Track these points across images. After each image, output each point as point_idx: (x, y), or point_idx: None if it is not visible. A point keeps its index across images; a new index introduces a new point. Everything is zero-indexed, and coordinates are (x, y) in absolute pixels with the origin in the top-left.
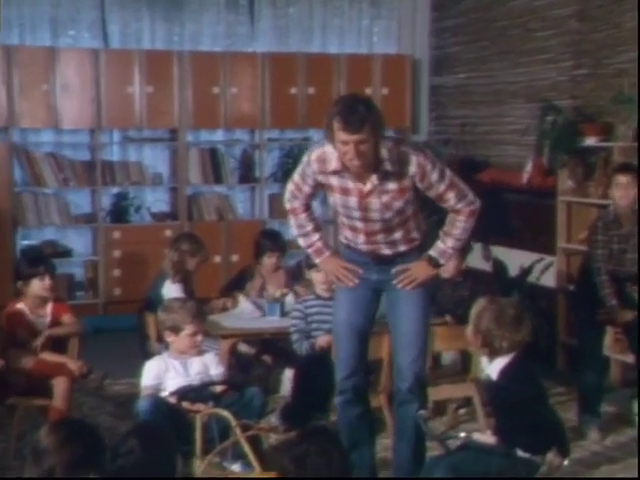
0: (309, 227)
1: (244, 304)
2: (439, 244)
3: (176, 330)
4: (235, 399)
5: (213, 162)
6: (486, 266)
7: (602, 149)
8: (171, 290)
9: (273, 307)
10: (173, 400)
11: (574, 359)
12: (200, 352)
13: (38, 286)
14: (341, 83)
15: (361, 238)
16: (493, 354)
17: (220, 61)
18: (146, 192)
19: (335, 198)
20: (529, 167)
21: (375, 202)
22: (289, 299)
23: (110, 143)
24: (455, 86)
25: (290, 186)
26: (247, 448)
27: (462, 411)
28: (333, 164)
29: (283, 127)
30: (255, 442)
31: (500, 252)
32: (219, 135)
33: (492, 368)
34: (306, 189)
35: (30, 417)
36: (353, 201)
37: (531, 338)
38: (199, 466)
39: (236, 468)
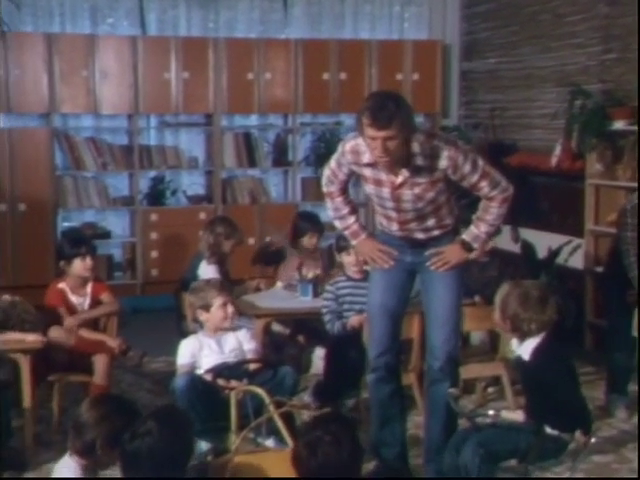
0: (345, 210)
1: (278, 290)
2: (472, 229)
3: (207, 307)
4: (268, 377)
5: (247, 146)
6: (515, 248)
7: (630, 132)
8: (207, 271)
9: (306, 288)
10: (208, 377)
11: (604, 339)
12: (233, 324)
13: (79, 266)
14: (372, 69)
15: (395, 226)
16: (523, 336)
17: (254, 47)
18: (182, 175)
19: (369, 188)
20: (558, 151)
21: (407, 193)
22: None
23: (147, 128)
24: (485, 71)
25: (327, 171)
26: (280, 424)
27: (491, 389)
28: (366, 157)
29: (315, 112)
30: (288, 419)
31: (529, 234)
32: (253, 120)
33: (524, 349)
34: (341, 176)
35: (71, 393)
36: (386, 192)
37: (558, 316)
38: (234, 441)
39: (270, 443)
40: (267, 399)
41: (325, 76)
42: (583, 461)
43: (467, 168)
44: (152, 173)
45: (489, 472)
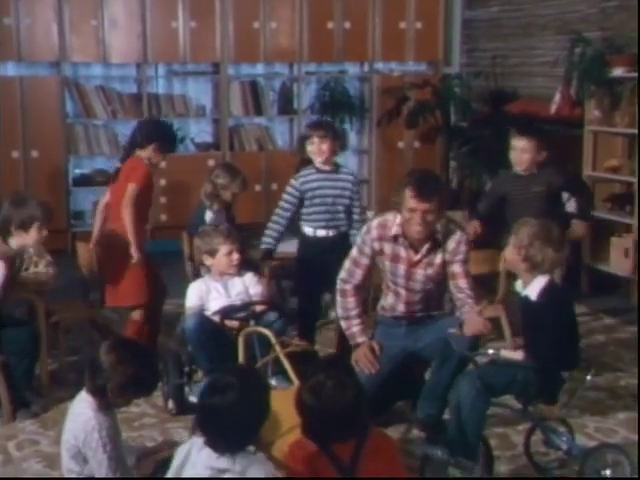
0: (353, 312)
1: None
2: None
3: (212, 253)
4: (274, 319)
5: (254, 95)
6: None
7: (629, 79)
8: (213, 218)
9: None
10: (216, 319)
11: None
12: (239, 270)
13: None
14: (376, 18)
15: (401, 306)
16: (531, 269)
17: None
18: (190, 123)
19: (385, 265)
20: (557, 98)
21: (420, 273)
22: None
23: (155, 76)
24: (487, 19)
25: (347, 264)
26: (286, 364)
27: None
28: (393, 230)
29: (320, 61)
30: (294, 358)
31: None
32: (259, 68)
33: (531, 289)
34: (364, 261)
35: (83, 333)
36: (401, 269)
37: (565, 263)
38: None
39: (274, 382)
40: (273, 339)
41: (330, 25)
42: (578, 398)
43: (461, 257)
44: None
45: (482, 408)
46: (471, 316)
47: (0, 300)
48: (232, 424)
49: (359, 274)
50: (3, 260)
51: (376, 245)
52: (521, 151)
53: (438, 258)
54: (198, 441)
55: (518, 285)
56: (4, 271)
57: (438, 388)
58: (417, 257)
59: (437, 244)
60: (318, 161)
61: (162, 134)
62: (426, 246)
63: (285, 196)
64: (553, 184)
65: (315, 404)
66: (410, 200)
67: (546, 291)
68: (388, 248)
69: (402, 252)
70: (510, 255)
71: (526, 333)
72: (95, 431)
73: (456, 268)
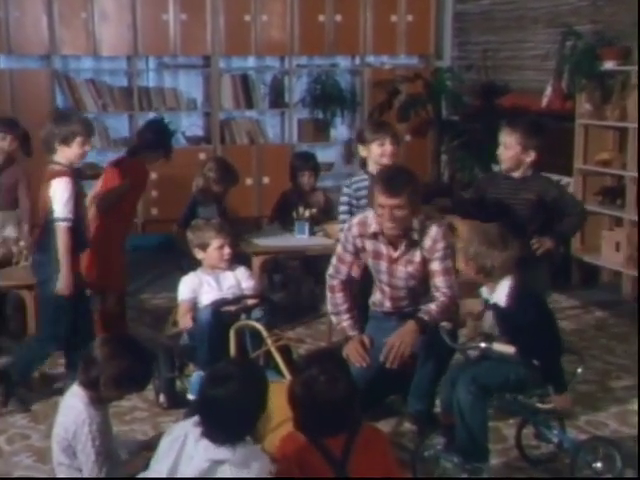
0: (343, 307)
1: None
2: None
3: (204, 246)
4: (266, 312)
5: (245, 88)
6: None
7: (620, 72)
8: (205, 212)
9: (302, 226)
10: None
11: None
12: (231, 264)
13: None
14: (367, 11)
15: (387, 302)
16: (488, 277)
17: None
18: (181, 117)
19: (369, 262)
20: (548, 91)
21: (402, 270)
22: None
23: (146, 69)
24: (478, 12)
25: (333, 260)
26: (278, 357)
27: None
28: (372, 227)
29: (311, 54)
30: (286, 352)
31: None
32: (250, 62)
33: (497, 295)
34: (348, 257)
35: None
36: (383, 266)
37: (520, 254)
38: None
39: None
40: (265, 333)
41: (321, 18)
42: (569, 391)
43: (438, 254)
44: (151, 114)
45: (482, 409)
46: (400, 333)
47: (75, 216)
48: (232, 414)
49: (344, 270)
50: (66, 175)
51: (358, 242)
52: (503, 146)
53: (417, 256)
54: (194, 431)
55: (484, 292)
56: (71, 186)
57: (424, 383)
58: (396, 254)
59: (414, 241)
60: (384, 163)
61: (169, 144)
62: (404, 243)
63: (342, 207)
64: (545, 195)
65: (307, 398)
66: (379, 196)
67: (513, 295)
68: (369, 245)
69: (382, 249)
70: (463, 269)
71: (504, 336)
72: (85, 425)
73: (434, 266)
